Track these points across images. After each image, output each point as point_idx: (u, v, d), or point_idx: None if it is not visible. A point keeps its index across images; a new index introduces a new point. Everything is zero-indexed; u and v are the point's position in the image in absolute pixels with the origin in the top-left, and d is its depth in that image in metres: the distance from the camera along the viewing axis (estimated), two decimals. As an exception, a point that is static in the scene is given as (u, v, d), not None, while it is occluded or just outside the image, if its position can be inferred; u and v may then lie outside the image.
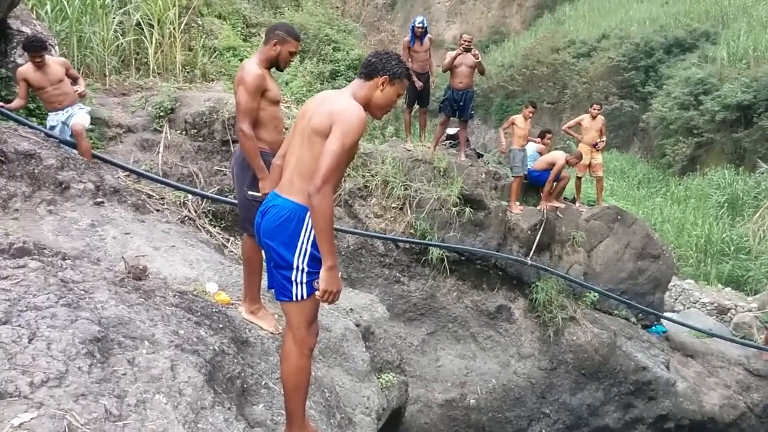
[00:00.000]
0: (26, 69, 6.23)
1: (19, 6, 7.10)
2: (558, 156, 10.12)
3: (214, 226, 7.62)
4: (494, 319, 9.36)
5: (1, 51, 6.90)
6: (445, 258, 8.97)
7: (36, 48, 6.07)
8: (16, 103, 6.26)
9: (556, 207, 10.11)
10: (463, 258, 9.23)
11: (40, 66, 6.12)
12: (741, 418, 10.22)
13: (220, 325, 3.79)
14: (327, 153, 2.74)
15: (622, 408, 9.79)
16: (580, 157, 10.27)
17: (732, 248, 14.89)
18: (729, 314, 12.46)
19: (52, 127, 6.34)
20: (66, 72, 6.44)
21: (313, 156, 2.83)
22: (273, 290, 3.15)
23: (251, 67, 4.01)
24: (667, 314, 11.72)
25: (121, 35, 9.43)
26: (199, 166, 8.03)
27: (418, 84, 9.21)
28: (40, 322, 2.51)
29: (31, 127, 6.12)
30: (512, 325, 9.40)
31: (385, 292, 8.67)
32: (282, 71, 4.35)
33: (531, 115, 9.99)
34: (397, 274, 8.91)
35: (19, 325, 2.44)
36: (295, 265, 2.90)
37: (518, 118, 9.99)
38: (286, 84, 10.66)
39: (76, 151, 6.08)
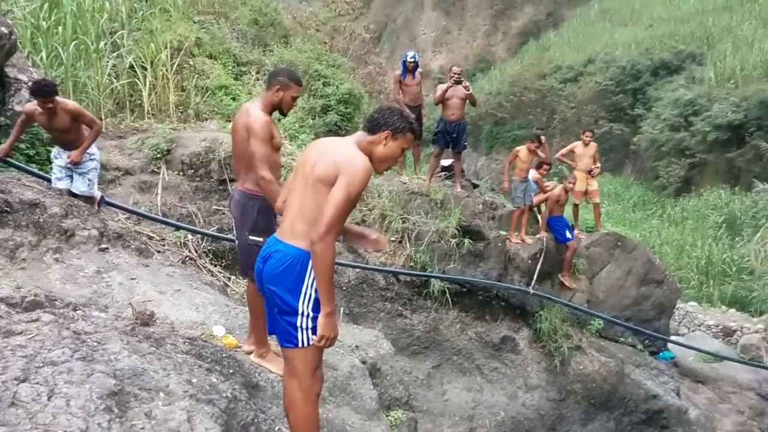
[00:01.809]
0: (33, 109, 5.78)
1: (16, 54, 7.13)
2: (555, 191, 10.17)
3: (215, 266, 7.58)
4: (499, 351, 9.28)
5: (-1, 99, 6.91)
6: (447, 290, 8.93)
7: (47, 93, 5.58)
8: (8, 144, 5.86)
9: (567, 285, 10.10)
10: (464, 289, 9.19)
11: (50, 112, 5.69)
12: (756, 445, 10.11)
13: (231, 371, 3.74)
14: (332, 203, 2.76)
15: (635, 438, 9.66)
16: (575, 180, 10.29)
17: (734, 269, 14.90)
18: (735, 336, 12.40)
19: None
20: (76, 119, 5.92)
21: (317, 203, 2.84)
22: (275, 335, 3.12)
23: (257, 114, 3.99)
24: (674, 338, 11.66)
25: (115, 78, 9.48)
26: (197, 206, 8.02)
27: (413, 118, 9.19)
28: (57, 378, 2.47)
29: (36, 175, 6.11)
30: (518, 355, 9.32)
31: (388, 326, 8.60)
32: (285, 116, 4.36)
33: (536, 149, 9.81)
34: (399, 308, 8.85)
35: (38, 383, 2.40)
36: (300, 311, 2.90)
37: (522, 151, 9.81)
38: (279, 120, 10.71)
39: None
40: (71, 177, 6.06)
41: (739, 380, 10.77)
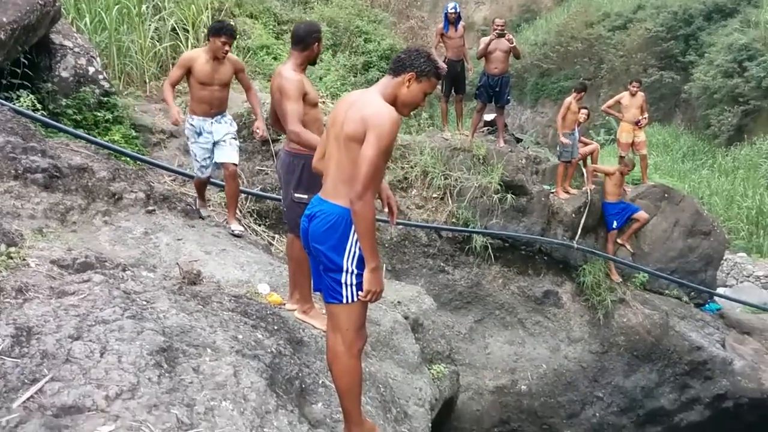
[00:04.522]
0: (196, 55, 5.44)
1: (60, 20, 7.27)
2: (610, 168, 9.97)
3: (259, 225, 7.75)
4: (542, 305, 9.31)
5: (45, 66, 7.06)
6: (489, 245, 8.95)
7: (231, 32, 5.31)
8: (173, 107, 5.48)
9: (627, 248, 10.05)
10: (507, 244, 9.19)
11: (217, 58, 5.35)
12: (804, 395, 9.96)
13: (276, 327, 3.86)
14: (364, 160, 2.77)
15: (677, 389, 9.64)
16: (632, 164, 10.03)
17: (785, 219, 14.53)
18: (784, 286, 12.16)
19: (189, 141, 5.70)
20: (237, 73, 5.64)
21: (351, 161, 2.86)
22: (321, 292, 3.20)
23: (289, 74, 4.08)
24: (720, 290, 11.47)
25: (158, 41, 9.58)
26: (240, 166, 8.14)
27: (442, 66, 8.87)
28: (109, 335, 2.62)
29: (150, 163, 6.46)
30: (560, 309, 9.34)
31: (431, 282, 8.70)
32: (315, 65, 4.44)
33: (580, 99, 9.67)
34: (442, 264, 8.93)
35: (90, 340, 2.54)
36: (344, 268, 2.94)
37: (572, 102, 9.63)
38: (320, 79, 10.70)
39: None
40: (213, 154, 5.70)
41: (787, 330, 10.58)
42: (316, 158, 3.30)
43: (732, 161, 18.31)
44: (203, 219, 5.86)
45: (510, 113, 27.33)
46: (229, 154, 5.68)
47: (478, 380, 8.65)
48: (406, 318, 5.61)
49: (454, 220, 8.78)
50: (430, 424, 4.73)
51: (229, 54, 5.55)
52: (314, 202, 3.09)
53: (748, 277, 12.62)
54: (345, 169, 2.91)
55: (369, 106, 2.88)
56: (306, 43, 4.14)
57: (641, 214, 9.85)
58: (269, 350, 3.42)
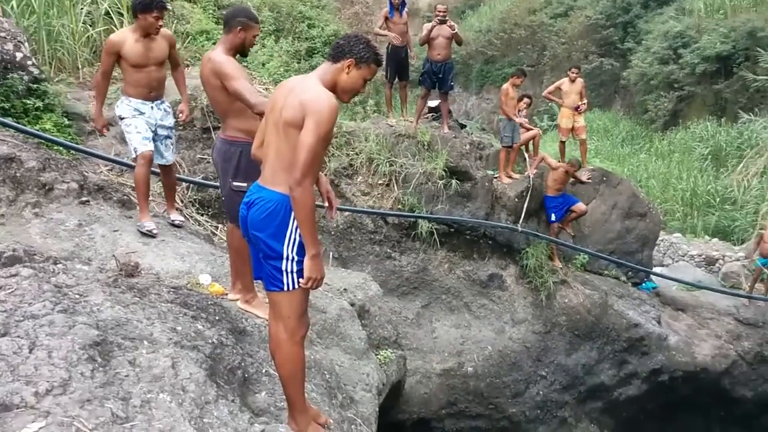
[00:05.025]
0: (123, 38, 4.96)
1: (-15, 4, 6.95)
2: (553, 163, 10.16)
3: (202, 215, 7.60)
4: (486, 288, 9.46)
5: (-30, 52, 6.72)
6: (435, 231, 9.02)
7: (163, 5, 4.84)
8: (99, 109, 5.19)
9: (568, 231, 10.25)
10: (452, 230, 9.29)
11: (149, 35, 4.91)
12: (732, 367, 10.48)
13: (217, 317, 3.81)
14: (303, 146, 2.76)
15: (616, 365, 9.98)
16: (578, 165, 10.21)
17: (717, 199, 15.11)
18: (717, 265, 12.68)
19: (126, 117, 5.21)
20: (170, 49, 5.16)
21: (290, 148, 2.85)
22: (262, 280, 3.17)
23: (220, 57, 3.98)
24: (656, 269, 11.90)
25: (91, 26, 9.24)
26: (181, 155, 7.97)
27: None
28: (38, 330, 2.54)
29: (84, 152, 6.03)
30: (505, 292, 9.51)
31: (377, 269, 8.73)
32: (246, 57, 4.31)
33: (519, 84, 9.82)
34: (388, 250, 8.96)
35: (18, 336, 2.46)
36: (285, 255, 2.93)
37: (510, 89, 9.76)
38: (263, 65, 10.53)
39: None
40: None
41: (717, 306, 11.05)
42: (255, 145, 3.26)
43: (668, 145, 18.90)
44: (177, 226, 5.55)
45: (456, 100, 27.55)
46: (165, 155, 5.46)
47: (426, 364, 8.75)
48: (353, 305, 5.63)
49: (399, 206, 8.80)
50: (377, 409, 4.76)
51: (162, 29, 5.19)
52: (253, 190, 3.06)
53: (683, 256, 13.11)
54: (284, 155, 2.89)
55: (308, 92, 2.86)
56: (229, 26, 4.04)
57: (579, 206, 10.02)
58: (210, 341, 3.37)
